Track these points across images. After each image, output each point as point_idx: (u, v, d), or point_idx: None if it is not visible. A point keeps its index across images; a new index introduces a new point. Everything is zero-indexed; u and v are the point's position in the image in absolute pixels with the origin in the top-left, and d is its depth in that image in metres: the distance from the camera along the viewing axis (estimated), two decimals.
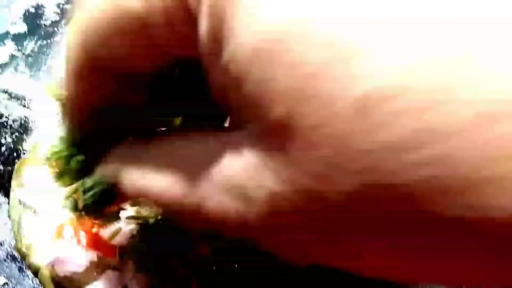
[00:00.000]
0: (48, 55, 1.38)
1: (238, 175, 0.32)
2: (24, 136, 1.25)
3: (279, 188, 0.29)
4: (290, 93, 0.26)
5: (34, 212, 0.97)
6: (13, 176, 1.01)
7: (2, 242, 1.10)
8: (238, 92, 0.30)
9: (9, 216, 1.04)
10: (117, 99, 0.45)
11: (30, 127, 1.27)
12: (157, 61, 0.41)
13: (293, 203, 0.29)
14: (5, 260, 1.09)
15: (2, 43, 1.38)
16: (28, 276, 1.09)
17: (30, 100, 1.31)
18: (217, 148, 0.35)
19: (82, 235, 0.88)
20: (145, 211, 0.88)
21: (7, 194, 1.02)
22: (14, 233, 0.97)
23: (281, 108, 0.27)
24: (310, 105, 0.25)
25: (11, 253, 1.10)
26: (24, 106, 1.29)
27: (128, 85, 0.44)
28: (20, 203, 0.98)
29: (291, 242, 0.34)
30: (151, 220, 0.86)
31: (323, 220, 0.29)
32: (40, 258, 0.91)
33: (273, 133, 0.29)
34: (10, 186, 1.01)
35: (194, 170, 0.36)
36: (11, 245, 1.09)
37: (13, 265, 1.10)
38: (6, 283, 1.07)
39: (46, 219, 0.95)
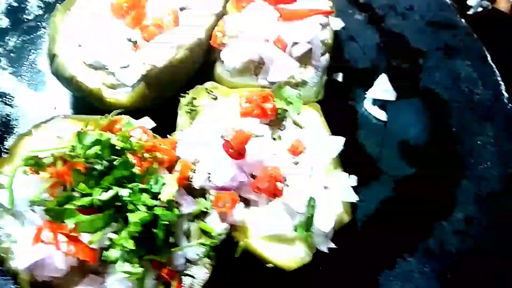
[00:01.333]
0: (31, 51, 1.33)
1: None
2: (5, 135, 1.21)
3: None
4: None
5: (12, 214, 0.93)
6: None
7: None
8: None
9: None
10: None
11: (13, 125, 1.23)
12: None
13: None
14: None
15: None
16: (11, 281, 1.06)
17: (13, 97, 1.26)
18: None
19: (62, 239, 0.84)
20: None
21: None
22: None
23: None
24: None
25: None
26: (6, 103, 1.25)
27: None
28: None
29: None
30: None
31: None
32: (18, 262, 0.87)
33: None
34: None
35: None
36: None
37: None
38: None
39: (25, 221, 0.91)
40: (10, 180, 0.89)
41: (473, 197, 1.26)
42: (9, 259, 0.90)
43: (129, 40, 1.13)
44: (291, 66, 1.18)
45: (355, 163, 1.10)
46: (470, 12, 1.77)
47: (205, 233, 0.97)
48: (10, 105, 1.25)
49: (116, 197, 0.85)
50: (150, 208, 0.87)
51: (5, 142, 1.20)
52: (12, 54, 1.32)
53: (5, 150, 1.18)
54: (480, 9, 1.78)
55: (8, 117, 1.23)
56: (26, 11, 1.39)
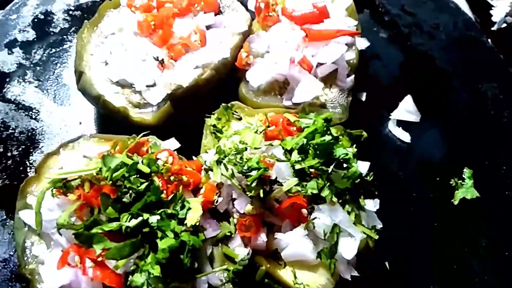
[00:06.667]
0: (56, 64, 1.34)
1: None
2: (31, 149, 1.22)
3: None
4: None
5: (39, 235, 0.94)
6: (18, 197, 0.97)
7: (7, 260, 1.07)
8: None
9: (13, 238, 1.01)
10: None
11: (38, 139, 1.24)
12: None
13: None
14: (9, 280, 1.06)
15: (9, 51, 1.34)
16: None
17: (38, 111, 1.27)
18: None
19: (88, 263, 0.85)
20: None
21: (12, 210, 0.99)
22: (18, 256, 0.93)
23: None
24: None
25: (16, 272, 1.07)
26: (32, 117, 1.26)
27: None
28: (25, 226, 0.94)
29: None
30: None
31: None
32: (45, 285, 0.88)
33: None
34: (15, 202, 0.98)
35: None
36: (15, 263, 1.06)
37: (18, 285, 1.06)
38: None
39: (52, 243, 0.92)
40: (38, 204, 0.89)
41: (496, 219, 1.24)
42: (35, 281, 0.91)
43: (156, 59, 1.14)
44: (316, 87, 1.17)
45: (378, 185, 1.09)
46: (494, 28, 1.74)
47: (228, 258, 0.97)
48: (36, 119, 1.26)
49: (144, 223, 0.85)
50: (177, 234, 0.87)
51: (30, 157, 1.20)
52: (38, 68, 1.33)
53: (30, 165, 1.19)
54: (504, 25, 1.76)
55: (33, 132, 1.24)
56: (53, 24, 1.40)
